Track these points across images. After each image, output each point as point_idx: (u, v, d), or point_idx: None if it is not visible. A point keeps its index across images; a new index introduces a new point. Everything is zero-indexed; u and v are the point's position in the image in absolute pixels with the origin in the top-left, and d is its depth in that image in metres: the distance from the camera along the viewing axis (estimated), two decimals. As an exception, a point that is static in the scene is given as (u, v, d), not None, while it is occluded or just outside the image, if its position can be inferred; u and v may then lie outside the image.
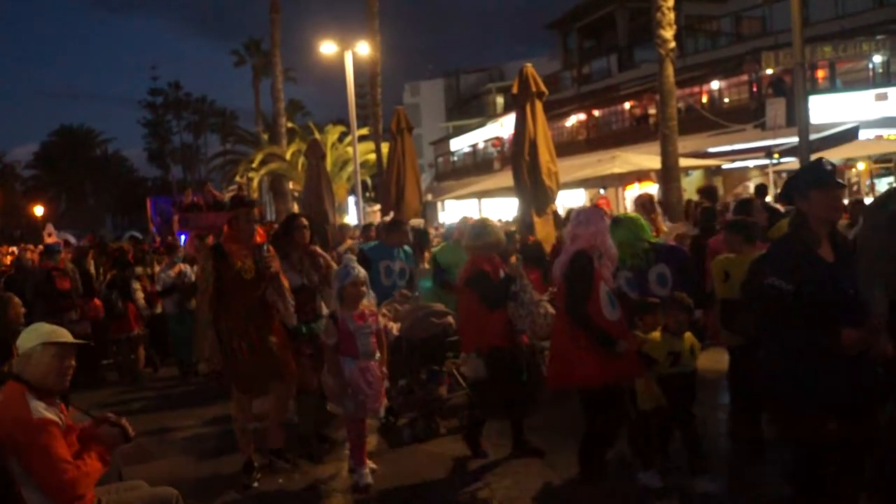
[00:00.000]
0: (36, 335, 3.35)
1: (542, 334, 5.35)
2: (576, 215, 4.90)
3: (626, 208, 18.79)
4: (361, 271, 5.00)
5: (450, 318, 5.96)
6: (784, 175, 18.86)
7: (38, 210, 43.67)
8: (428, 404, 5.86)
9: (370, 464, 5.16)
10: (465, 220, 7.62)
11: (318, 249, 6.05)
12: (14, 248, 18.45)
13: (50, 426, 3.14)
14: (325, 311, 5.69)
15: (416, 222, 11.10)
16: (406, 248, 7.13)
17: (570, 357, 4.52)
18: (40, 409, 3.16)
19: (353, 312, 4.95)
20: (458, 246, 6.90)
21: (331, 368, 4.96)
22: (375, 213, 16.28)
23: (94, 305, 9.45)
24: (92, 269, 10.77)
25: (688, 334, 4.70)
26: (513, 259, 5.55)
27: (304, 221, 5.85)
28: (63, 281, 8.74)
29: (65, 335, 3.40)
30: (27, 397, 3.18)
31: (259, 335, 5.20)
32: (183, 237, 14.69)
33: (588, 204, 20.73)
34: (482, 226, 5.50)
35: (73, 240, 16.15)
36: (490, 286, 5.17)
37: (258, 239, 5.31)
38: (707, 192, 11.21)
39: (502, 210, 22.24)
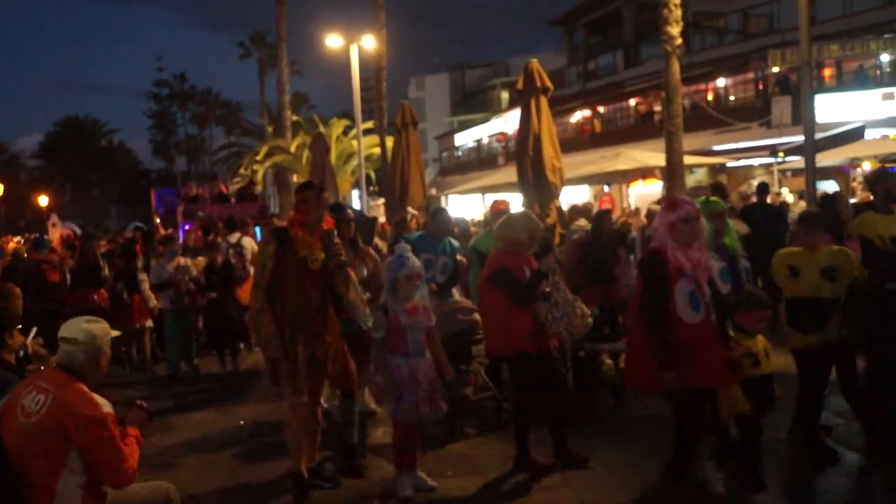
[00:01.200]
0: (102, 330, 3.45)
1: (579, 335, 5.14)
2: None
3: (629, 205, 18.78)
4: (416, 262, 4.65)
5: (476, 315, 5.71)
6: (789, 174, 18.86)
7: (43, 200, 43.75)
8: (452, 405, 5.44)
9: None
10: (495, 204, 7.54)
11: (369, 250, 5.67)
12: (18, 238, 18.51)
13: (113, 419, 3.31)
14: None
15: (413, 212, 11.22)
16: (452, 240, 6.67)
17: (646, 360, 4.20)
18: (104, 403, 3.30)
19: (405, 305, 4.58)
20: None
21: (378, 366, 4.58)
22: (379, 207, 16.31)
23: (101, 296, 9.32)
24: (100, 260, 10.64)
25: (759, 335, 4.43)
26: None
27: (350, 214, 5.46)
28: (53, 272, 9.34)
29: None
30: (91, 393, 3.30)
31: (321, 332, 4.78)
32: (186, 227, 14.72)
33: (592, 201, 20.72)
34: (510, 219, 5.15)
35: (78, 230, 16.20)
36: (514, 284, 4.79)
37: (325, 226, 4.89)
38: (716, 188, 11.14)
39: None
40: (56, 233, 20.94)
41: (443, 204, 33.35)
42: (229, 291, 9.18)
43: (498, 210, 7.40)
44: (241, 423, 6.75)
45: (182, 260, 9.07)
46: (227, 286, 9.16)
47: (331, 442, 5.45)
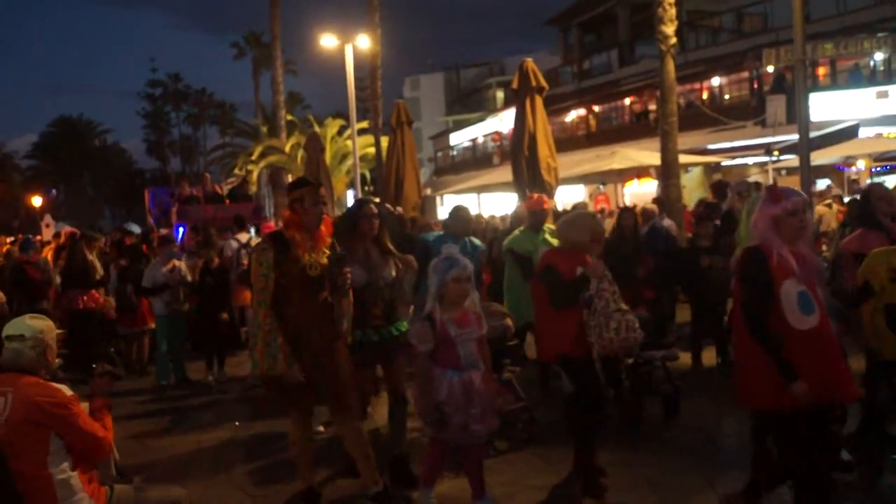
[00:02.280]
0: (48, 326, 3.49)
1: (612, 350, 4.60)
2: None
3: (624, 204, 18.78)
4: (468, 264, 4.13)
5: (508, 321, 5.46)
6: (784, 172, 18.89)
7: (37, 201, 43.59)
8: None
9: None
10: (533, 201, 6.96)
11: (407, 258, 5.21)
12: (10, 239, 18.41)
13: (76, 400, 3.37)
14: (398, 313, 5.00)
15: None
16: (474, 239, 6.26)
17: (756, 372, 3.66)
18: (62, 388, 3.37)
19: (454, 314, 4.09)
20: (533, 232, 6.64)
21: (423, 382, 4.09)
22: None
23: (91, 297, 9.25)
24: (95, 261, 10.55)
25: None
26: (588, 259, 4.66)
27: (373, 209, 4.90)
28: (35, 272, 9.40)
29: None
30: (47, 382, 3.35)
31: (324, 344, 4.34)
32: (181, 229, 14.64)
33: (587, 200, 20.72)
34: (573, 218, 4.81)
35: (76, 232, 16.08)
36: (554, 284, 4.53)
37: (325, 230, 4.42)
38: (717, 187, 11.06)
39: (501, 205, 22.21)
40: (50, 233, 20.86)
41: (437, 204, 33.39)
42: (223, 296, 8.62)
43: (535, 208, 6.87)
44: (237, 423, 6.72)
45: (177, 263, 8.57)
46: (223, 291, 8.60)
47: (330, 458, 5.37)
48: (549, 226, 6.74)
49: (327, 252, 4.39)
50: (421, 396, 4.11)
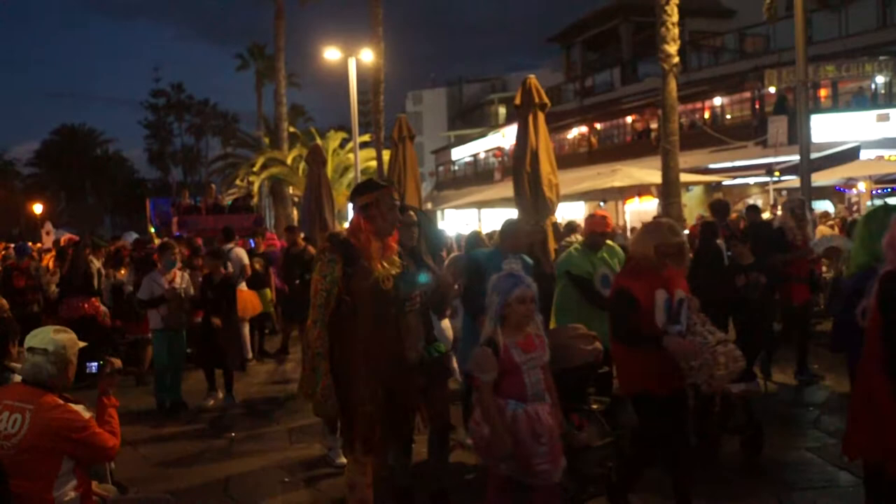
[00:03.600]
0: (71, 341, 3.42)
1: (720, 387, 4.12)
2: None
3: (626, 222, 18.78)
4: (532, 283, 3.71)
5: (598, 344, 4.88)
6: (784, 193, 18.92)
7: (38, 208, 43.60)
8: (575, 457, 4.41)
9: None
10: (594, 221, 6.16)
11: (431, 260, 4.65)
12: (11, 245, 18.38)
13: (93, 422, 3.35)
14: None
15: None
16: (525, 256, 5.51)
17: (882, 420, 3.19)
18: (81, 409, 3.34)
19: (518, 339, 3.64)
20: (591, 251, 5.96)
21: (486, 414, 3.60)
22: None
23: (91, 304, 9.25)
24: (94, 268, 10.56)
25: None
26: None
27: (413, 216, 4.46)
28: (20, 279, 9.88)
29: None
30: (67, 403, 3.30)
31: (398, 371, 3.85)
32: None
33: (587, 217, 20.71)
34: (643, 228, 4.27)
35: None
36: (622, 316, 3.99)
37: (393, 241, 3.93)
38: (715, 207, 10.99)
39: (502, 220, 22.18)
40: (50, 240, 20.84)
41: (439, 218, 33.42)
42: (229, 310, 7.97)
43: (597, 230, 6.05)
44: (233, 435, 6.64)
45: (179, 274, 7.90)
46: (229, 304, 7.97)
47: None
48: (611, 244, 6.16)
49: (398, 263, 3.92)
50: (487, 432, 3.58)
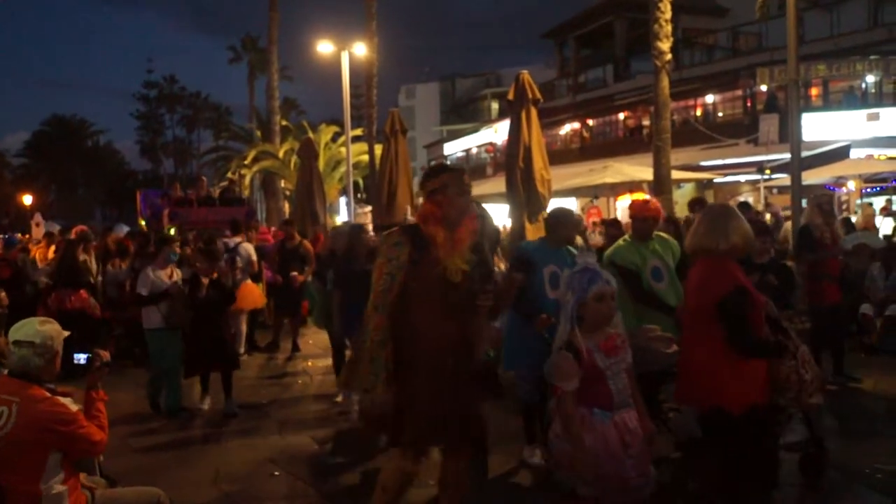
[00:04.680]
0: (56, 332, 3.40)
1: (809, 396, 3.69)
2: None
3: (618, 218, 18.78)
4: (611, 279, 3.39)
5: (675, 346, 4.36)
6: (775, 191, 19.01)
7: (27, 199, 43.37)
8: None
9: None
10: (642, 206, 5.28)
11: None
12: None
13: (81, 415, 3.33)
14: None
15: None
16: (572, 248, 5.13)
17: None
18: (69, 402, 3.32)
19: (599, 340, 3.32)
20: (639, 241, 5.17)
21: (569, 425, 3.24)
22: (366, 215, 16.23)
23: (79, 297, 9.21)
24: (91, 261, 10.44)
25: None
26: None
27: (475, 209, 3.97)
28: (4, 270, 9.93)
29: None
30: (54, 396, 3.29)
31: (464, 369, 3.48)
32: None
33: (580, 213, 20.76)
34: (719, 216, 3.76)
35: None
36: (751, 315, 3.49)
37: (469, 227, 3.55)
38: (697, 204, 11.10)
39: (494, 216, 22.20)
40: (40, 232, 20.73)
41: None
42: (223, 311, 7.31)
43: (640, 215, 5.23)
44: (223, 428, 6.65)
45: (177, 271, 7.39)
46: (225, 304, 7.33)
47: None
48: (663, 235, 5.46)
49: (471, 256, 3.53)
50: (571, 445, 3.23)
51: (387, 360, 3.37)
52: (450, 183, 3.50)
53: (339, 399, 7.25)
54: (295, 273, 9.66)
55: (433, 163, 42.83)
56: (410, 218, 11.35)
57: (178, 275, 7.31)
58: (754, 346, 3.50)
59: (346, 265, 6.84)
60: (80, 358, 3.57)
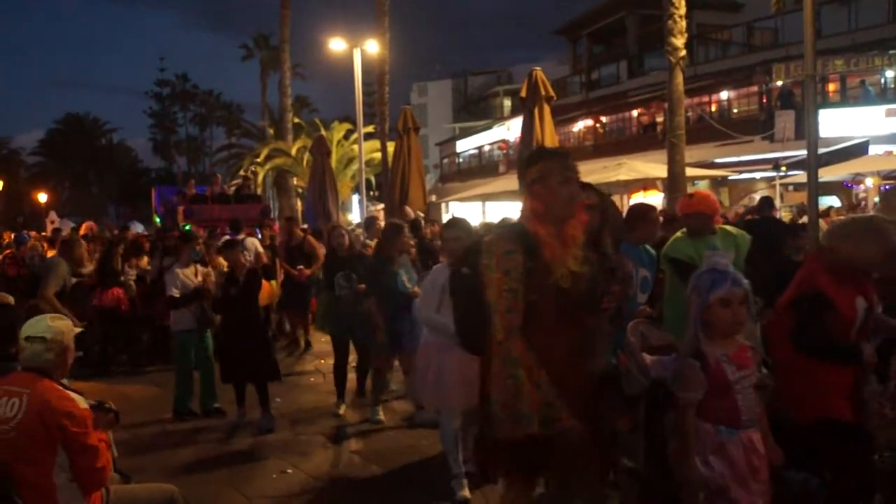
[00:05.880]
0: (67, 327, 3.41)
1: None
2: None
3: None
4: (742, 279, 2.98)
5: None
6: (791, 188, 18.82)
7: (42, 197, 43.68)
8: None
9: None
10: (695, 200, 4.89)
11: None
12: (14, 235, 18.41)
13: (90, 416, 3.28)
14: None
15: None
16: (647, 246, 4.80)
17: None
18: (80, 399, 3.28)
19: (729, 350, 2.98)
20: (695, 237, 4.80)
21: (692, 443, 2.94)
22: (379, 213, 16.20)
23: (112, 295, 9.13)
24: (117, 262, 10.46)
25: None
26: None
27: (593, 197, 3.39)
28: (11, 267, 10.12)
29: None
30: (65, 390, 3.27)
31: (588, 391, 3.00)
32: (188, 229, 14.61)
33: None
34: (857, 226, 3.47)
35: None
36: (825, 318, 3.22)
37: (581, 221, 3.03)
38: (765, 203, 10.46)
39: (506, 214, 22.15)
40: (52, 229, 20.82)
41: (443, 210, 33.37)
42: (255, 298, 6.77)
43: (689, 211, 4.90)
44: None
45: (201, 268, 7.10)
46: (257, 289, 6.77)
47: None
48: (728, 229, 5.12)
49: (585, 254, 2.99)
50: (693, 462, 2.93)
51: (527, 378, 2.84)
52: (550, 171, 2.97)
53: (342, 412, 6.83)
54: (301, 267, 9.61)
55: (444, 159, 42.89)
56: (411, 217, 11.20)
57: (202, 272, 7.00)
58: (825, 350, 3.25)
59: (380, 266, 6.21)
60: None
